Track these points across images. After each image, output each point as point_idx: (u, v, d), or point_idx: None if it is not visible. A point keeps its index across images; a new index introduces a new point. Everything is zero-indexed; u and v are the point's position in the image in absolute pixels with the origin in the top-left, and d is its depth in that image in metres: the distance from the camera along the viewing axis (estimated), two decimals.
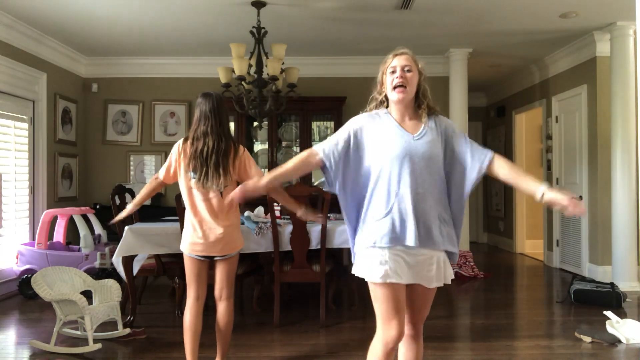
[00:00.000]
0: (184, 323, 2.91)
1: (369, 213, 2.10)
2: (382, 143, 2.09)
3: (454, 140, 2.15)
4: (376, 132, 2.12)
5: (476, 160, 2.10)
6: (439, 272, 2.10)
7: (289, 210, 3.87)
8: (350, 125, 2.18)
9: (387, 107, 2.18)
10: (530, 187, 2.05)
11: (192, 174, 2.83)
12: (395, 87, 2.09)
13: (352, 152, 2.14)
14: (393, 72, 2.10)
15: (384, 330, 2.06)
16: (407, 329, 2.23)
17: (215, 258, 2.92)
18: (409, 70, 2.09)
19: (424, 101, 2.14)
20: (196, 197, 2.85)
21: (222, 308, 2.96)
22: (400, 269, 2.03)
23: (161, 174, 3.00)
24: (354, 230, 2.18)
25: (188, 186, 2.86)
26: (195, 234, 2.86)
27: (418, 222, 2.03)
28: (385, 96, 2.17)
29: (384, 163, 2.07)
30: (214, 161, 2.78)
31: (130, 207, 3.11)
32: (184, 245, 2.92)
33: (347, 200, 2.15)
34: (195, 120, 2.88)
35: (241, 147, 2.93)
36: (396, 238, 2.03)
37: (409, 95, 2.11)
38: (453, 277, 2.20)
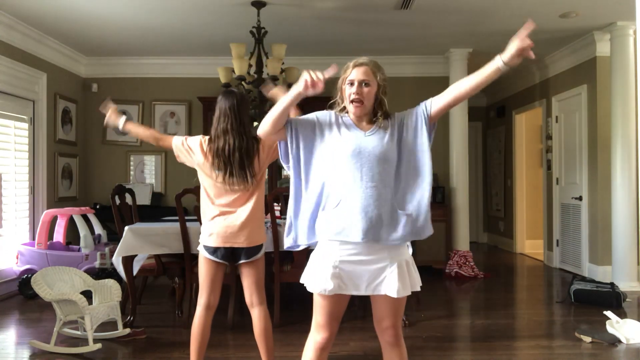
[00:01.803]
0: (191, 331, 2.85)
1: (324, 207, 2.09)
2: (337, 141, 2.09)
3: (406, 118, 2.14)
4: (335, 128, 2.12)
5: (419, 112, 2.12)
6: (402, 277, 2.02)
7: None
8: (316, 113, 2.19)
9: (346, 112, 2.17)
10: (488, 68, 2.10)
11: (217, 172, 2.75)
12: (352, 102, 2.10)
13: (310, 134, 2.15)
14: (351, 84, 2.10)
15: (314, 332, 2.18)
16: (385, 337, 2.17)
17: (240, 261, 2.84)
18: (366, 84, 2.08)
19: (380, 111, 2.13)
20: (221, 189, 2.77)
21: (256, 314, 2.85)
22: (351, 280, 2.03)
23: (174, 141, 2.85)
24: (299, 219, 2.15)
25: (213, 182, 2.78)
26: (217, 224, 2.76)
27: (367, 218, 1.99)
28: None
29: (336, 160, 2.06)
30: (237, 159, 2.70)
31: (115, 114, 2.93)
32: (204, 239, 2.80)
33: (299, 179, 2.14)
34: (215, 118, 2.80)
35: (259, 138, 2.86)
36: (343, 233, 2.01)
37: (365, 109, 2.11)
38: (421, 284, 2.11)
